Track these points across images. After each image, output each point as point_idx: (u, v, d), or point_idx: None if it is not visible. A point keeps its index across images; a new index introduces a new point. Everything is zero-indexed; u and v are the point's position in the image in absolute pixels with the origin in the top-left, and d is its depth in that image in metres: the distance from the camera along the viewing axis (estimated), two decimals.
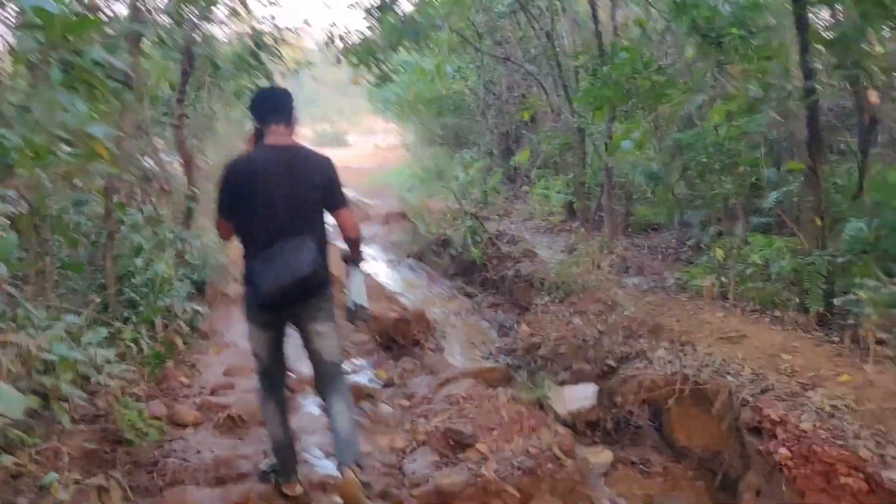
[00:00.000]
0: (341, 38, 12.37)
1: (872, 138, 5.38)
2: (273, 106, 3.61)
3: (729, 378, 4.79)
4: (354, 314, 3.85)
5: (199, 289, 7.41)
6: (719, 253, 6.27)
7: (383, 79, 12.71)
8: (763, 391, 4.48)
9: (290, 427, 3.83)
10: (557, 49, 10.63)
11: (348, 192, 16.78)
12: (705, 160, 7.77)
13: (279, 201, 3.42)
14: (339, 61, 12.73)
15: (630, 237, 10.61)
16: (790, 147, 8.76)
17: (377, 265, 12.56)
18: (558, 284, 8.36)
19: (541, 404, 4.87)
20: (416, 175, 20.36)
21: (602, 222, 11.45)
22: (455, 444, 4.03)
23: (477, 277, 10.55)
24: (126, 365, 4.85)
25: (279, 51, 10.31)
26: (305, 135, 40.22)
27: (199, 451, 4.28)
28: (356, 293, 3.84)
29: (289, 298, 3.41)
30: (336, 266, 3.85)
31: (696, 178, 7.07)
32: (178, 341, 5.70)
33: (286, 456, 3.77)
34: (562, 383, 6.26)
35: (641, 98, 6.45)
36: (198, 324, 6.14)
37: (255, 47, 9.67)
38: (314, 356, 3.67)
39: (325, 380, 3.68)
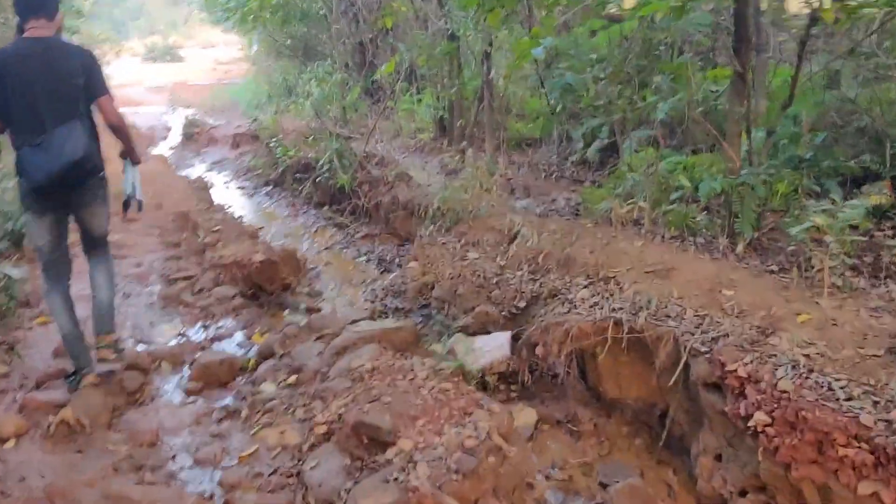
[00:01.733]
0: None
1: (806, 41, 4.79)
2: (33, 2, 3.68)
3: (670, 322, 4.17)
4: (128, 204, 4.14)
5: (17, 242, 5.99)
6: (633, 171, 5.59)
7: None
8: (715, 338, 3.88)
9: (77, 320, 3.95)
10: None
11: (189, 111, 15.08)
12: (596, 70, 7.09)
13: (39, 91, 3.56)
14: None
15: (507, 154, 9.87)
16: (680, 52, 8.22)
17: (230, 195, 11.22)
18: (443, 212, 7.52)
19: (462, 371, 4.08)
20: (263, 91, 18.66)
21: (476, 139, 10.67)
22: (370, 442, 3.16)
23: (347, 205, 9.52)
24: None
25: None
26: (134, 49, 36.56)
27: (23, 479, 3.17)
28: (130, 186, 4.10)
29: (63, 183, 3.60)
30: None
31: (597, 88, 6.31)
32: None
33: (77, 349, 3.93)
34: (464, 329, 5.50)
35: None
36: (14, 291, 4.83)
37: None
38: (84, 229, 3.97)
39: (91, 247, 4.05)
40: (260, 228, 9.05)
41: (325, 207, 9.84)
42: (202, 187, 9.76)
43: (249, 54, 22.33)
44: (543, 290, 5.29)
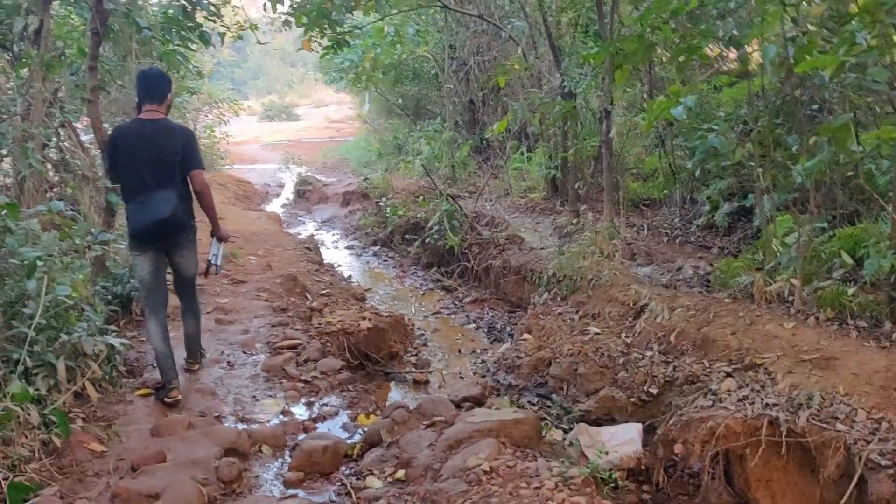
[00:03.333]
0: None
1: None
2: (147, 87, 4.61)
3: (839, 426, 3.55)
4: (209, 269, 4.99)
5: (125, 305, 5.93)
6: (780, 242, 4.99)
7: (338, 44, 11.17)
8: None
9: (169, 342, 4.70)
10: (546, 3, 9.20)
11: (301, 168, 15.46)
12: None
13: (146, 162, 4.43)
14: (286, 24, 11.15)
15: (625, 216, 9.35)
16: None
17: (339, 254, 11.13)
18: (559, 278, 7.08)
19: (595, 478, 3.58)
20: (373, 149, 18.87)
21: (591, 200, 10.21)
22: None
23: (455, 267, 9.22)
24: (12, 432, 3.48)
25: (216, 9, 8.75)
26: (252, 108, 38.11)
27: None
28: (213, 256, 4.96)
29: (154, 234, 4.50)
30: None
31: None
32: (91, 390, 4.26)
33: (166, 365, 4.62)
34: (586, 415, 5.00)
35: (674, 53, 5.14)
36: (117, 362, 4.68)
37: (186, 4, 8.11)
38: (176, 271, 4.83)
39: (181, 288, 4.94)
40: (367, 290, 8.85)
41: (433, 269, 9.57)
42: (312, 247, 9.67)
43: (361, 113, 22.73)
44: (678, 375, 4.74)
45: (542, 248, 8.61)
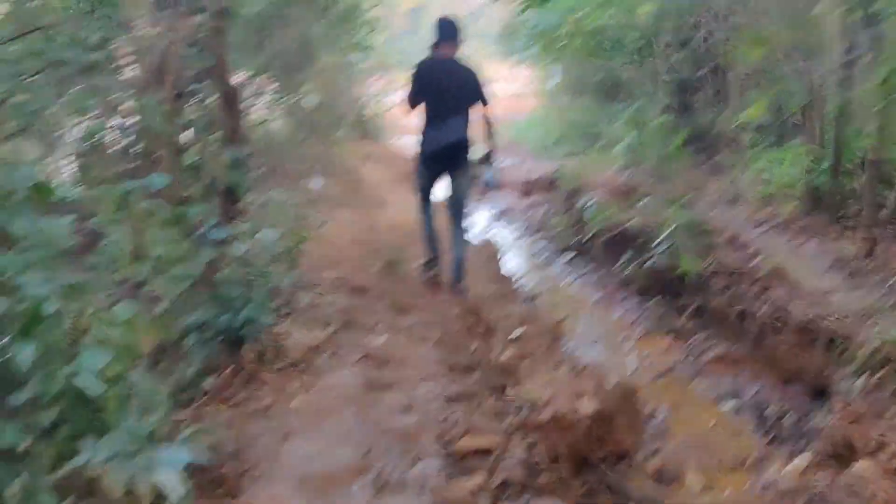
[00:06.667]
0: None
1: None
2: (445, 30, 5.47)
3: None
4: (487, 185, 6.08)
5: (233, 345, 3.90)
6: None
7: None
8: None
9: (434, 229, 5.84)
10: None
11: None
12: None
13: (444, 93, 5.33)
14: None
15: None
16: None
17: (517, 261, 8.80)
18: (886, 357, 4.45)
19: None
20: (555, 130, 16.39)
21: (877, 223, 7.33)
22: None
23: (688, 302, 6.65)
24: None
25: None
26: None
27: None
28: (489, 176, 5.90)
29: (446, 154, 5.42)
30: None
31: None
32: None
33: (430, 246, 5.85)
34: None
35: None
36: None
37: None
38: (453, 190, 5.68)
39: (453, 208, 5.72)
40: (562, 321, 6.49)
41: (653, 300, 7.03)
42: (491, 255, 7.38)
43: (542, 88, 20.26)
44: None
45: (825, 292, 5.92)
